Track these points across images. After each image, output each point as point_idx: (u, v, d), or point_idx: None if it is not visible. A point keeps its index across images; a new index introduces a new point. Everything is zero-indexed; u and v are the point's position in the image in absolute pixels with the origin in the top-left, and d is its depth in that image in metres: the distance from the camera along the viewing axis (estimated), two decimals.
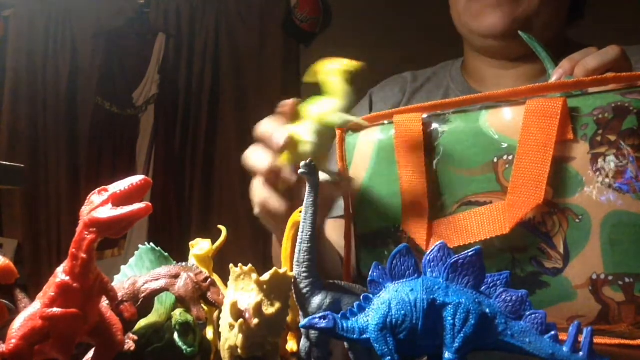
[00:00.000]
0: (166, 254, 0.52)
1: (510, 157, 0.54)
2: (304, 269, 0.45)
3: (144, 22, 2.61)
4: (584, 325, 0.38)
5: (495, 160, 0.55)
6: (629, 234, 0.50)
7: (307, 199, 0.46)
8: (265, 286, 0.42)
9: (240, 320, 0.41)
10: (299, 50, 2.71)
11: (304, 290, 0.45)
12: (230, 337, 0.43)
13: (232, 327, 0.42)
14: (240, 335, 0.41)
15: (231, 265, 0.50)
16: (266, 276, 0.43)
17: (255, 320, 0.41)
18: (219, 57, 2.66)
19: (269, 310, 0.42)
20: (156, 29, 2.62)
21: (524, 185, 0.52)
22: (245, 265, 0.45)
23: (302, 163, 0.45)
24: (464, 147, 0.56)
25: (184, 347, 0.44)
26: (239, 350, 0.41)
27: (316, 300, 0.44)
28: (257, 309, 0.41)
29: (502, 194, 0.54)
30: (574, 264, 0.52)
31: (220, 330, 0.45)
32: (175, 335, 0.44)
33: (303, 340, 0.45)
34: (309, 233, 0.45)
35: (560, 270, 0.52)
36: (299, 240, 0.45)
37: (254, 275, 0.43)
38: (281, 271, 0.43)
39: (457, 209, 0.56)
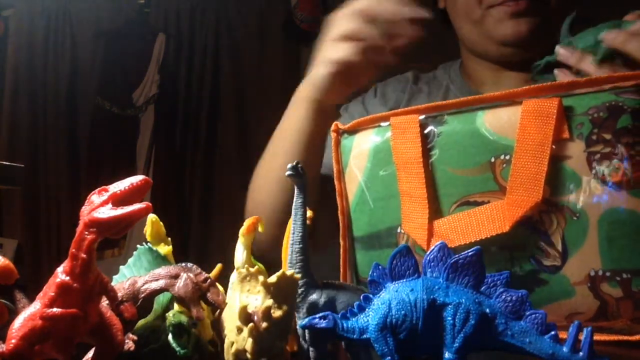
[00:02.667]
0: (163, 254, 0.52)
1: (508, 157, 0.54)
2: (297, 270, 0.45)
3: (144, 22, 2.61)
4: (582, 321, 0.38)
5: (493, 160, 0.55)
6: (625, 230, 0.51)
7: (296, 200, 0.46)
8: (272, 288, 0.42)
9: (251, 324, 0.41)
10: (299, 50, 2.71)
11: (299, 291, 0.45)
12: (238, 340, 0.42)
13: (239, 330, 0.42)
14: (250, 340, 0.41)
15: (238, 266, 0.50)
16: (273, 278, 0.42)
17: (265, 324, 0.41)
18: (219, 57, 2.66)
19: (276, 313, 0.41)
20: (156, 29, 2.62)
21: (522, 184, 0.53)
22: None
23: (289, 165, 0.45)
24: (461, 148, 0.57)
25: (177, 349, 0.43)
26: (248, 355, 0.41)
27: (311, 300, 0.45)
28: (267, 313, 0.41)
29: (500, 193, 0.55)
30: (572, 261, 0.52)
31: (226, 333, 0.45)
32: (170, 337, 0.44)
33: (302, 341, 0.45)
34: (300, 234, 0.46)
35: (558, 267, 0.53)
36: (290, 242, 0.46)
37: (261, 277, 0.43)
38: (288, 273, 0.42)
39: (456, 209, 0.57)
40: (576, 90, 0.54)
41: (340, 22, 0.74)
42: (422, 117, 0.60)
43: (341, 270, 0.68)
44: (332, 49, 0.75)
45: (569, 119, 0.53)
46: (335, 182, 0.67)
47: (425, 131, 0.59)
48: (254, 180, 0.91)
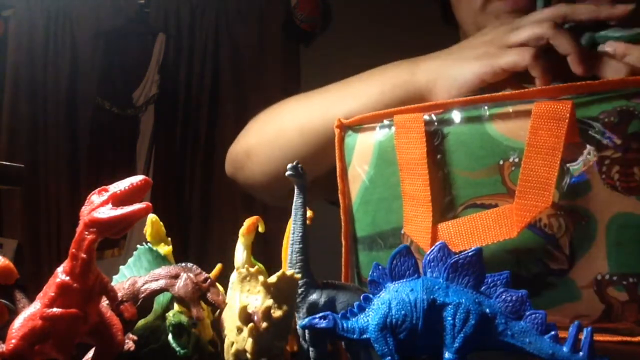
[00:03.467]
0: (163, 254, 0.52)
1: (517, 160, 0.54)
2: (297, 270, 0.45)
3: (144, 22, 2.61)
4: (587, 324, 0.38)
5: (501, 162, 0.55)
6: (633, 235, 0.51)
7: (296, 200, 0.46)
8: (272, 288, 0.41)
9: (251, 324, 0.41)
10: (299, 50, 2.71)
11: (299, 291, 0.45)
12: (238, 340, 0.42)
13: (239, 330, 0.42)
14: (250, 340, 0.41)
15: (238, 266, 0.50)
16: (273, 278, 0.42)
17: (265, 324, 0.40)
18: (219, 57, 2.66)
19: (276, 313, 0.41)
20: (156, 29, 2.62)
21: (532, 189, 0.52)
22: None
23: (289, 165, 0.45)
24: (469, 149, 0.56)
25: (177, 349, 0.43)
26: (248, 355, 0.41)
27: (311, 300, 0.44)
28: (266, 313, 0.41)
29: (508, 197, 0.54)
30: (579, 265, 0.52)
31: (225, 333, 0.45)
32: (170, 337, 0.44)
33: (302, 341, 0.45)
34: (300, 234, 0.46)
35: (565, 271, 0.52)
36: (290, 242, 0.46)
37: (261, 277, 0.43)
38: (288, 273, 0.42)
39: (462, 212, 0.56)
40: (588, 92, 0.53)
41: (527, 27, 0.64)
42: (426, 116, 0.59)
43: (343, 270, 0.67)
44: (503, 54, 0.64)
45: (580, 122, 0.52)
46: (338, 181, 0.65)
47: (431, 130, 0.58)
48: (277, 115, 0.87)
